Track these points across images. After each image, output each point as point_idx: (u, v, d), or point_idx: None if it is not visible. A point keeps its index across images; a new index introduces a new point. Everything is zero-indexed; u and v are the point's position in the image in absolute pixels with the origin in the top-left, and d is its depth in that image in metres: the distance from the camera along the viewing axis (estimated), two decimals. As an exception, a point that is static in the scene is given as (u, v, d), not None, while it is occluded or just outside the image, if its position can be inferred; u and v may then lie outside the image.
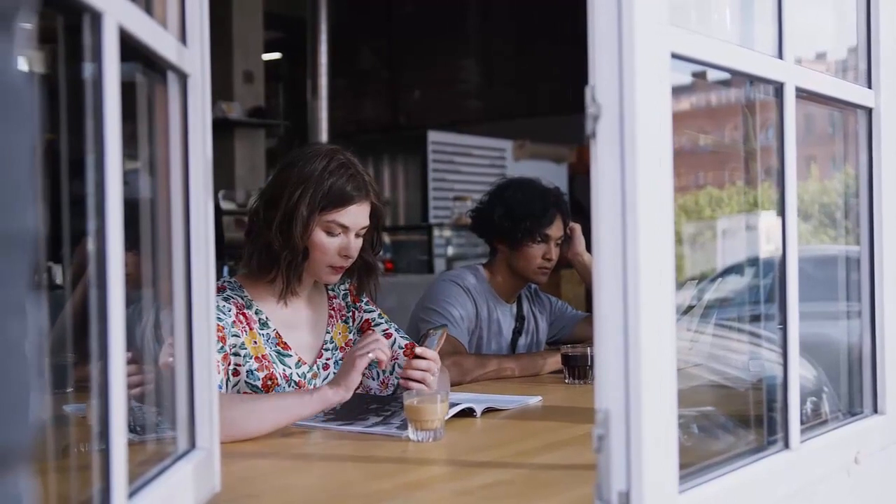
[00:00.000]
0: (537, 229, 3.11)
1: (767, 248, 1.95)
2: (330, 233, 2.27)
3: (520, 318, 3.27)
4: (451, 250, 7.77)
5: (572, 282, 6.62)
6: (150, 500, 1.18)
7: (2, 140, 0.59)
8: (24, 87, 0.61)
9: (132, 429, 1.32)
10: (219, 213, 4.72)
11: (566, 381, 2.79)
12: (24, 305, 0.62)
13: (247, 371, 2.24)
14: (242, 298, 2.30)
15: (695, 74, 1.56)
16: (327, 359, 2.41)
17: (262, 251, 2.29)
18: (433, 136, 8.40)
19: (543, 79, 9.56)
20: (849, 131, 1.99)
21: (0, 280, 0.60)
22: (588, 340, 3.03)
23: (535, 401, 2.46)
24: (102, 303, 1.05)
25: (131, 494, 1.13)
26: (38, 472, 0.70)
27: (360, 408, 2.20)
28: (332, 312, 2.47)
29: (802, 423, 1.63)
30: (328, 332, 2.44)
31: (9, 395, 0.60)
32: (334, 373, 2.38)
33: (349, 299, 2.51)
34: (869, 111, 1.90)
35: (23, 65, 0.62)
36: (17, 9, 0.61)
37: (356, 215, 2.29)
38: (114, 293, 1.06)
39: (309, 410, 2.05)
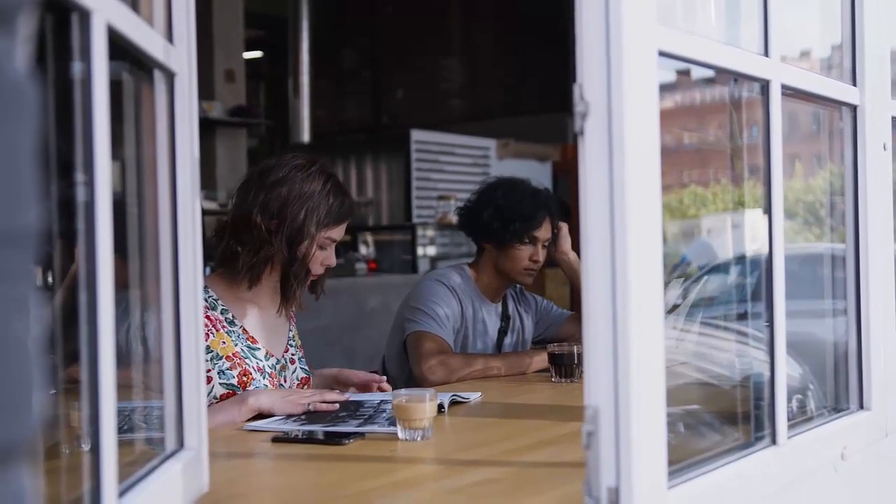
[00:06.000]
0: (526, 231, 3.10)
1: (752, 247, 1.96)
2: (321, 247, 2.42)
3: (505, 318, 3.27)
4: (434, 250, 7.76)
5: (556, 281, 6.64)
6: (139, 499, 1.18)
7: (5, 138, 0.59)
8: (27, 85, 0.62)
9: (120, 429, 1.31)
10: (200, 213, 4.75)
11: (553, 379, 2.79)
12: (28, 302, 0.63)
13: (218, 372, 2.31)
14: (206, 300, 2.33)
15: (679, 72, 1.56)
16: (292, 354, 2.55)
17: (262, 262, 2.38)
18: (416, 135, 8.39)
19: (527, 77, 9.59)
20: (833, 129, 2.00)
21: (4, 276, 0.60)
22: (574, 339, 3.04)
23: (475, 396, 2.49)
24: (92, 303, 1.04)
25: (121, 494, 1.13)
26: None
27: (334, 413, 2.20)
28: (291, 314, 2.60)
29: (789, 419, 1.63)
30: (290, 331, 2.58)
31: (12, 392, 0.61)
32: (300, 367, 2.55)
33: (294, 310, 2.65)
34: (854, 108, 1.91)
35: (24, 64, 0.62)
36: (18, 8, 0.61)
37: (343, 230, 2.48)
38: (103, 293, 1.05)
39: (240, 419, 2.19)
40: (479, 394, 2.51)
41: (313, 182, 2.38)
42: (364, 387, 2.54)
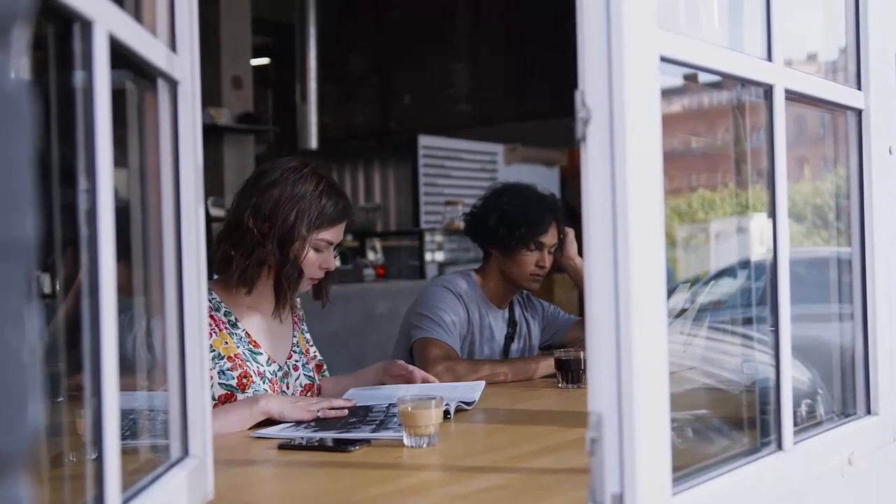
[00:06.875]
0: (532, 237, 3.10)
1: (760, 251, 1.95)
2: (317, 249, 2.42)
3: (512, 324, 3.27)
4: (442, 255, 7.75)
5: (565, 286, 6.62)
6: (143, 508, 1.18)
7: (1, 149, 0.59)
8: (22, 95, 0.62)
9: (124, 436, 1.32)
10: (208, 220, 4.80)
11: (559, 385, 2.79)
12: (23, 313, 0.63)
13: (219, 372, 2.32)
14: (210, 301, 2.34)
15: (686, 77, 1.56)
16: (296, 361, 2.54)
17: (255, 265, 2.38)
18: (424, 140, 8.39)
19: (534, 82, 9.57)
20: (839, 133, 1.99)
21: (1, 287, 0.60)
22: (580, 344, 3.03)
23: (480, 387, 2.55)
24: (95, 311, 1.05)
25: (125, 502, 1.13)
26: (33, 481, 0.70)
27: (344, 420, 2.19)
28: (296, 320, 2.60)
29: (797, 424, 1.63)
30: (294, 337, 2.57)
31: (7, 403, 0.61)
32: (304, 374, 2.54)
33: (302, 312, 2.66)
34: (859, 112, 1.90)
35: (20, 74, 0.63)
36: (13, 18, 0.61)
37: (341, 232, 2.47)
38: (106, 301, 1.05)
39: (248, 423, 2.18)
40: (483, 383, 2.58)
41: (305, 184, 2.38)
42: (407, 378, 2.56)
